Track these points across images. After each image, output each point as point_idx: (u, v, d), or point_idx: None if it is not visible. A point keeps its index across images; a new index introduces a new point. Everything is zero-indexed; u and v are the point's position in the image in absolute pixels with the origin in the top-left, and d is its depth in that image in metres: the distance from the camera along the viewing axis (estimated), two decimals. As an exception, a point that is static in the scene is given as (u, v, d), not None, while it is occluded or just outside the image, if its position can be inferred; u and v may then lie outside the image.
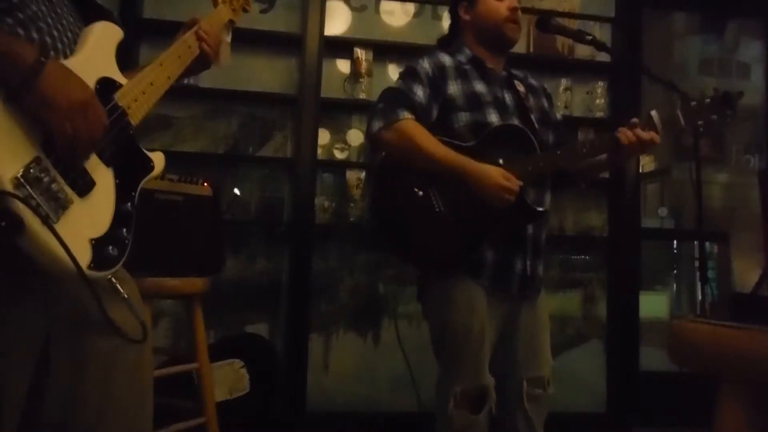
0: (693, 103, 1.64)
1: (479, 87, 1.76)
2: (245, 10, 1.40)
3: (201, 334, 2.03)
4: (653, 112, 1.66)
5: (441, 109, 1.73)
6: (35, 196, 0.82)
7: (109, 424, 1.03)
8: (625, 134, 1.64)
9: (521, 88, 1.83)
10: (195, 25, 1.24)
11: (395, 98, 1.70)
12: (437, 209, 1.67)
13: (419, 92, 1.71)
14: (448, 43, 1.90)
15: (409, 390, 2.80)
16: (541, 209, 1.70)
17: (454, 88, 1.74)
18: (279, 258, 2.86)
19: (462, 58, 1.81)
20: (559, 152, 1.70)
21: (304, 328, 2.76)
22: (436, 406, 1.72)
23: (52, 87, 0.85)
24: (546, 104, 1.90)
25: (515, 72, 1.88)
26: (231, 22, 1.37)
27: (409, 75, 1.75)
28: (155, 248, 1.88)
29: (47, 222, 0.81)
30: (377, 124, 1.68)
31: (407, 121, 1.66)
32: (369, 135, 1.72)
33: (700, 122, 1.62)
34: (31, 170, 0.82)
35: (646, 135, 1.63)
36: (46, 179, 0.84)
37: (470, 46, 1.83)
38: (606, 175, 3.02)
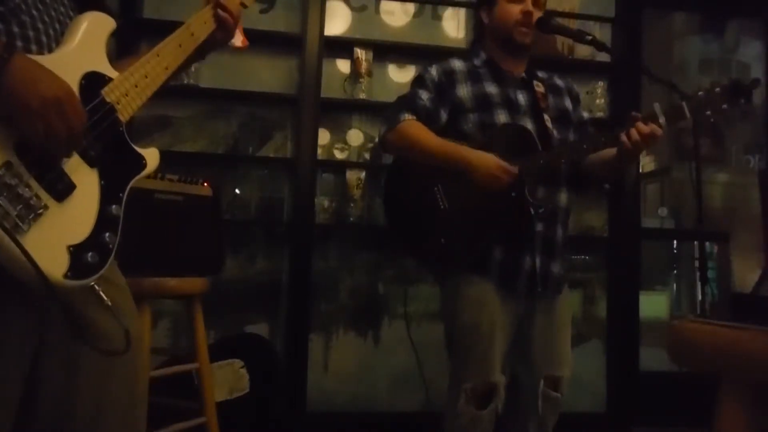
0: (700, 93, 1.59)
1: (490, 88, 1.78)
2: None
3: (201, 334, 2.03)
4: (656, 105, 1.63)
5: (451, 113, 1.78)
6: (2, 204, 0.78)
7: (104, 427, 1.01)
8: (623, 140, 1.61)
9: (540, 89, 1.83)
10: (209, 2, 1.17)
11: (400, 104, 1.80)
12: (442, 206, 1.72)
13: (424, 96, 1.78)
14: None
15: (409, 390, 2.80)
16: (538, 205, 1.70)
17: (463, 91, 1.78)
18: (279, 258, 2.86)
19: (477, 61, 1.85)
20: (560, 148, 1.72)
21: (304, 328, 2.76)
22: (447, 402, 1.74)
23: (20, 85, 0.80)
24: (569, 104, 1.90)
25: (540, 74, 1.89)
26: (242, 5, 1.29)
27: (416, 82, 1.84)
28: (155, 248, 1.88)
29: (11, 234, 0.78)
30: (383, 129, 1.79)
31: (408, 121, 1.74)
32: (378, 140, 1.85)
33: (708, 113, 1.57)
34: (0, 176, 0.79)
35: (646, 128, 1.59)
36: (17, 185, 0.80)
37: (488, 49, 1.86)
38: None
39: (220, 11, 1.17)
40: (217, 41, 1.20)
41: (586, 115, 1.96)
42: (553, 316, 1.78)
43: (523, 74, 1.85)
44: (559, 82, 1.93)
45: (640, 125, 1.60)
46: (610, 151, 1.73)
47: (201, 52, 1.18)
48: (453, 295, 1.74)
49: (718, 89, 1.58)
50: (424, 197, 1.74)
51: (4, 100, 0.80)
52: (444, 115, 1.78)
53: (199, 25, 1.16)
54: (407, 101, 1.79)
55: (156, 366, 2.07)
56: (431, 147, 1.71)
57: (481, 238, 1.70)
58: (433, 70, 1.82)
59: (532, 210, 1.69)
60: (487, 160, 1.66)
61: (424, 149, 1.72)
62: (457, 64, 1.83)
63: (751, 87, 1.56)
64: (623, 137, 1.61)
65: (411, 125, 1.73)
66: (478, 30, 1.96)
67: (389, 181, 1.89)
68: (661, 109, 1.62)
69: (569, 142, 1.78)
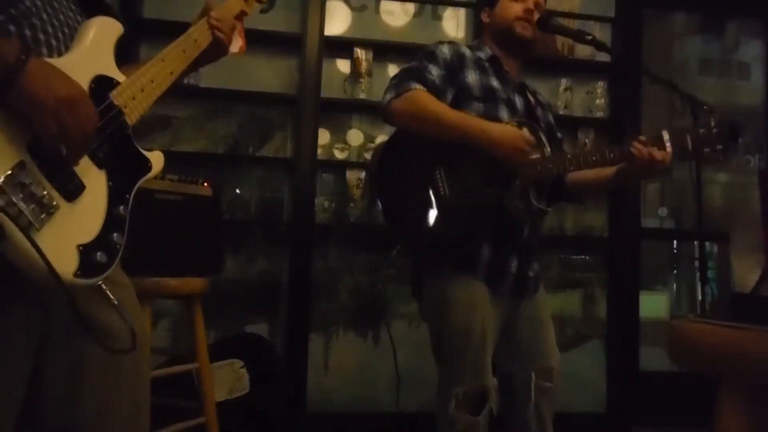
0: (702, 131, 1.60)
1: (495, 83, 1.76)
2: (260, 2, 1.34)
3: (201, 334, 2.03)
4: (664, 132, 1.63)
5: (455, 96, 1.73)
6: (17, 202, 0.79)
7: (107, 426, 1.02)
8: (638, 149, 1.60)
9: (531, 98, 1.85)
10: (205, 15, 1.20)
11: (409, 73, 1.70)
12: (441, 192, 1.65)
13: (434, 72, 1.70)
14: None
15: (408, 390, 2.80)
16: (544, 208, 1.70)
17: (471, 77, 1.74)
18: (279, 258, 2.86)
19: (482, 54, 1.82)
20: (569, 155, 1.69)
21: (304, 328, 2.76)
22: (437, 407, 1.71)
23: (35, 85, 0.82)
24: (552, 120, 1.92)
25: (529, 86, 1.90)
26: (243, 13, 1.31)
27: (426, 56, 1.75)
28: (155, 248, 1.88)
29: (26, 231, 0.79)
30: (388, 96, 1.68)
31: (418, 90, 1.65)
32: (380, 107, 1.71)
33: (706, 149, 1.59)
34: (14, 175, 0.80)
35: (658, 154, 1.59)
36: (30, 184, 0.81)
37: (490, 46, 1.85)
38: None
39: (214, 30, 1.19)
40: (209, 57, 1.22)
41: (560, 134, 1.95)
42: (534, 312, 1.78)
43: (518, 80, 1.85)
44: (542, 98, 1.94)
45: (653, 150, 1.59)
46: (601, 172, 1.75)
47: (194, 65, 1.20)
48: (441, 296, 1.69)
49: (715, 130, 1.59)
50: (424, 179, 1.66)
51: (19, 100, 0.82)
52: (449, 97, 1.71)
53: (202, 32, 1.19)
54: (416, 73, 1.69)
55: (156, 366, 2.07)
56: (447, 117, 1.61)
57: (476, 231, 1.65)
58: (445, 49, 1.75)
59: (539, 211, 1.69)
60: (510, 131, 1.60)
61: (438, 119, 1.61)
62: (467, 50, 1.80)
63: (742, 131, 1.60)
64: (635, 151, 1.60)
65: (421, 95, 1.64)
66: (478, 31, 1.93)
67: (384, 158, 1.74)
68: (669, 136, 1.61)
69: (578, 151, 1.76)
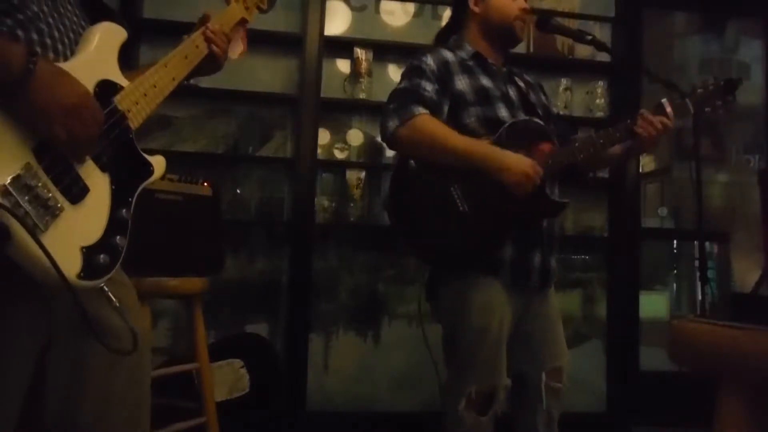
0: (699, 90, 1.69)
1: (485, 82, 1.75)
2: (260, 10, 1.34)
3: (201, 334, 2.03)
4: (664, 100, 1.69)
5: (451, 105, 1.72)
6: (23, 204, 0.80)
7: (108, 425, 1.03)
8: (643, 126, 1.66)
9: (521, 83, 1.85)
10: (204, 24, 1.20)
11: (405, 96, 1.68)
12: (460, 208, 1.64)
13: (428, 88, 1.69)
14: (446, 37, 1.89)
15: (408, 389, 2.80)
16: (564, 201, 1.72)
17: (461, 83, 1.73)
18: (279, 258, 2.86)
19: (464, 54, 1.80)
20: (577, 144, 1.70)
21: (304, 328, 2.76)
22: (445, 405, 1.71)
23: (43, 90, 0.83)
24: (545, 99, 1.92)
25: (514, 69, 1.90)
26: (244, 20, 1.31)
27: (414, 72, 1.72)
28: (155, 248, 1.88)
29: (32, 232, 0.80)
30: (393, 124, 1.65)
31: (423, 116, 1.64)
32: (385, 136, 1.69)
33: (707, 109, 1.67)
34: (20, 177, 0.81)
35: (657, 120, 1.66)
36: (36, 186, 0.82)
37: (472, 41, 1.82)
38: (605, 175, 3.03)
39: (210, 44, 1.19)
40: (204, 69, 1.22)
41: (555, 109, 1.97)
42: (545, 310, 1.78)
43: (504, 69, 1.84)
44: (529, 78, 1.93)
45: (651, 117, 1.66)
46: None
47: (192, 74, 1.20)
48: (458, 297, 1.68)
49: (712, 87, 1.68)
50: (440, 199, 1.64)
51: (27, 109, 0.83)
52: (446, 108, 1.71)
53: (202, 41, 1.19)
54: (412, 93, 1.67)
55: (156, 366, 2.07)
56: (456, 145, 1.61)
57: (502, 238, 1.66)
58: (429, 60, 1.73)
59: (559, 205, 1.71)
60: (521, 160, 1.60)
61: (446, 147, 1.61)
62: (448, 55, 1.77)
63: (738, 83, 1.70)
64: (639, 129, 1.65)
65: (427, 120, 1.63)
66: (457, 18, 1.88)
67: (397, 180, 1.73)
68: (669, 104, 1.69)
69: (586, 138, 1.77)
